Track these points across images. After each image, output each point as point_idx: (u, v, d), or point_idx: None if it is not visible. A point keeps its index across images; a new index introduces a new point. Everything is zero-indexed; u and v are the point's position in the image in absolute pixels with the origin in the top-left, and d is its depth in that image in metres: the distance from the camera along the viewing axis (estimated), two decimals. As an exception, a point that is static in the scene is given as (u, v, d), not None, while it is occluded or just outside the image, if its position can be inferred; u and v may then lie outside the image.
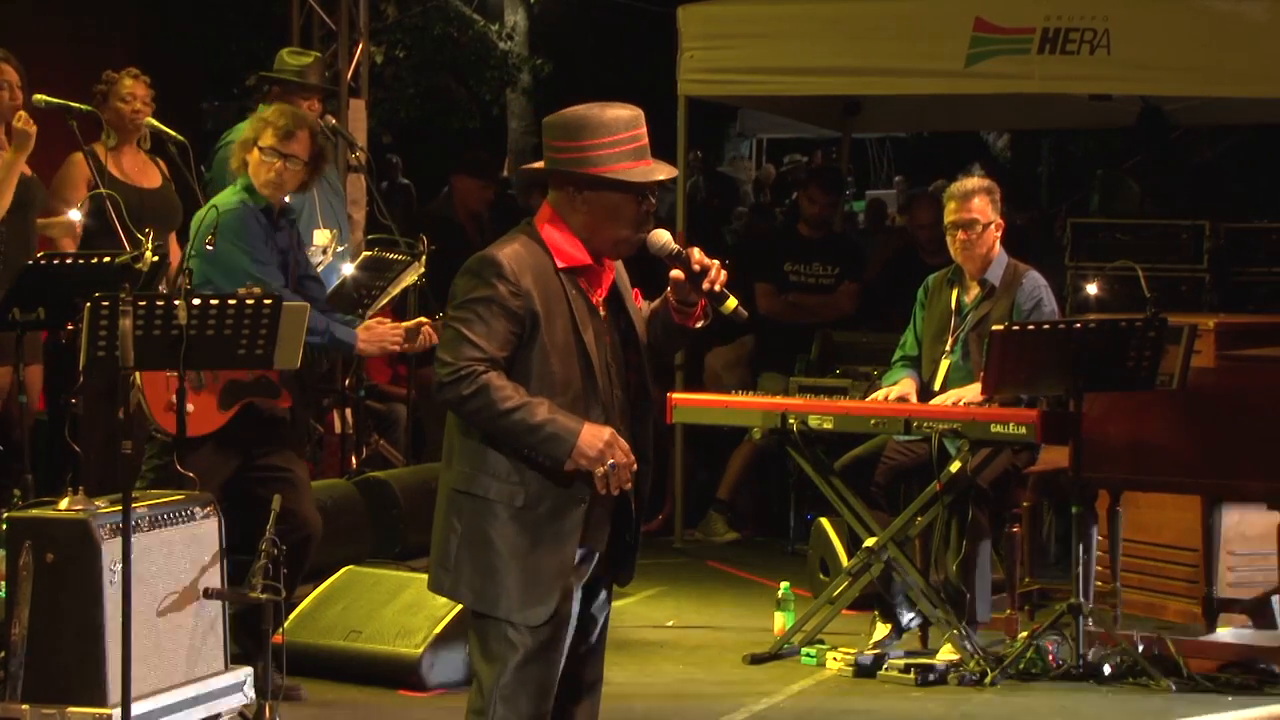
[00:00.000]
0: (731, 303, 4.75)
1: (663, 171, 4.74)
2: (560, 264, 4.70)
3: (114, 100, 8.18)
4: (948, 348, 7.82)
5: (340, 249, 8.57)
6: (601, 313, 4.77)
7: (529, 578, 4.64)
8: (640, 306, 4.92)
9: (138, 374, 6.56)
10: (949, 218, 7.83)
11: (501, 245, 4.70)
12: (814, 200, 10.97)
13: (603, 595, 4.88)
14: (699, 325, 4.84)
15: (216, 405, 6.84)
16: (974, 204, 7.78)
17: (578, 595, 4.76)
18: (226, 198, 7.10)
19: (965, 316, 7.83)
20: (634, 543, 4.87)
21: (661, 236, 4.76)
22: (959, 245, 7.80)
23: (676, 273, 4.75)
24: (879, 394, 7.81)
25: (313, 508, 7.07)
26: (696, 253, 4.74)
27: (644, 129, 4.73)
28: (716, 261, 4.75)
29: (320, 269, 8.13)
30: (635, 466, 4.68)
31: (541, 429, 4.58)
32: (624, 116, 4.70)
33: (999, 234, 7.83)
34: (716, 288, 4.73)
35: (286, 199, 7.21)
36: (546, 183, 4.79)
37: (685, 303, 4.79)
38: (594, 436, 4.60)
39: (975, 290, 7.86)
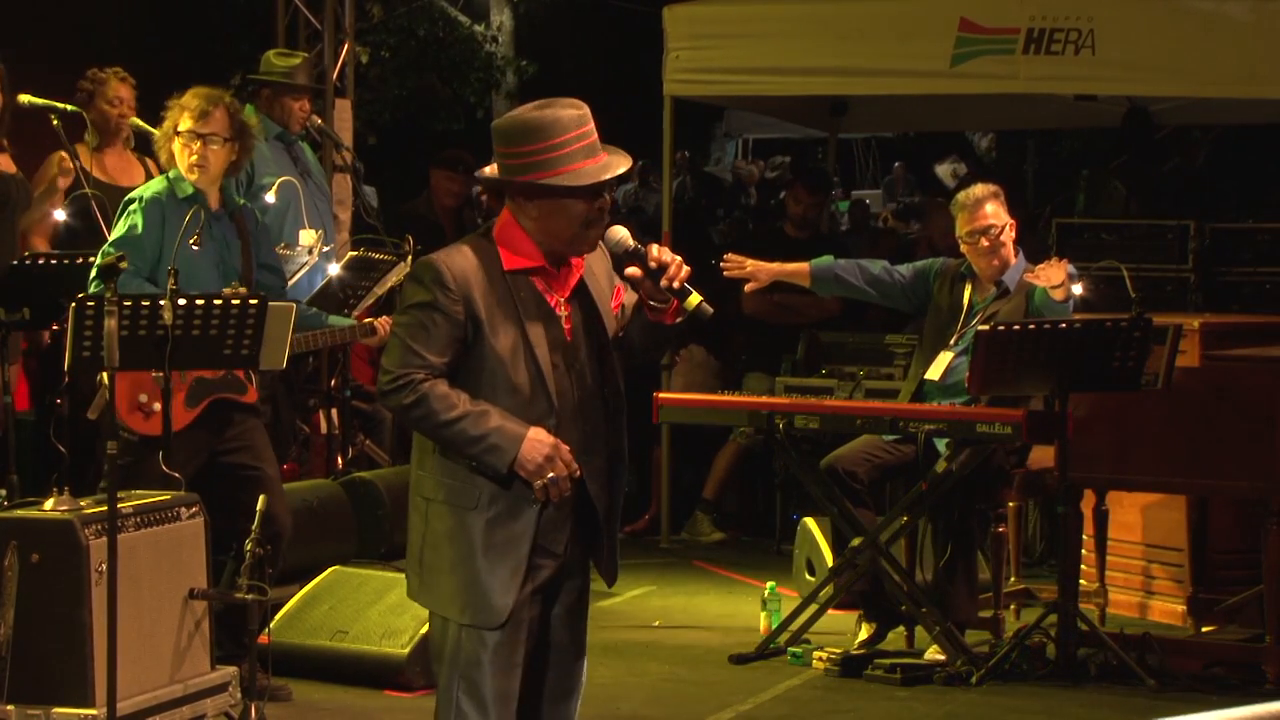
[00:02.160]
0: (695, 299, 4.66)
1: (618, 164, 4.66)
2: (506, 266, 4.66)
3: (100, 102, 8.17)
4: (952, 341, 7.81)
5: (326, 249, 8.57)
6: (562, 312, 4.71)
7: (482, 581, 4.62)
8: (623, 301, 4.86)
9: (104, 374, 6.53)
10: (963, 228, 7.80)
11: (448, 250, 4.68)
12: (799, 200, 10.98)
13: (568, 600, 4.81)
14: (677, 321, 4.74)
15: (183, 404, 6.80)
16: (986, 209, 7.76)
17: (535, 600, 4.71)
18: (151, 186, 7.05)
19: (975, 313, 7.81)
20: (612, 542, 4.83)
21: (617, 233, 4.69)
22: (980, 251, 7.78)
23: (633, 270, 4.67)
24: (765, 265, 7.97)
25: (284, 506, 7.02)
26: (655, 249, 4.66)
27: (591, 124, 4.66)
28: (678, 257, 4.66)
29: (305, 269, 8.13)
30: (577, 474, 4.62)
31: (482, 440, 4.55)
32: (570, 116, 4.63)
33: (1014, 235, 7.84)
34: (675, 284, 4.64)
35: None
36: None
37: (655, 300, 4.70)
38: (534, 449, 4.56)
39: (990, 290, 7.85)
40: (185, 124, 6.94)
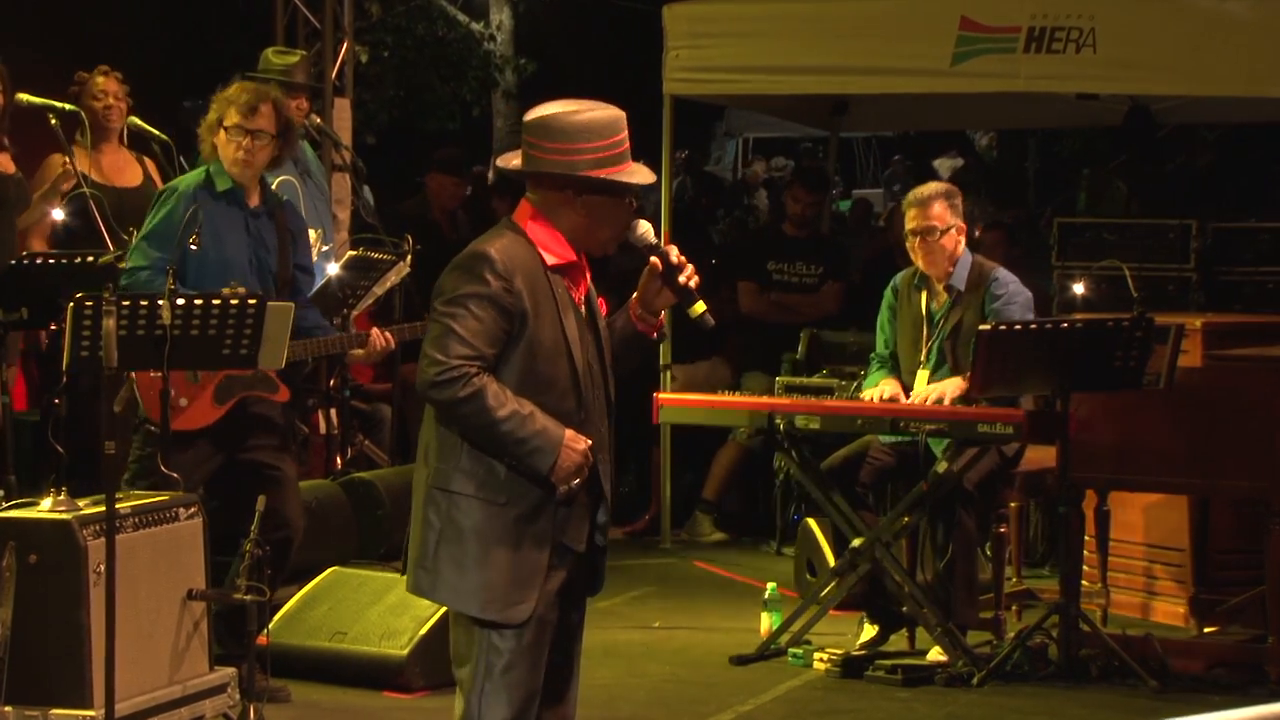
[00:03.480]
0: (700, 306, 4.80)
1: (649, 173, 4.77)
2: (550, 262, 4.69)
3: (86, 98, 8.18)
4: (922, 357, 7.81)
5: (325, 249, 8.57)
6: (582, 311, 4.78)
7: (509, 575, 4.63)
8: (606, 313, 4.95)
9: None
10: (909, 225, 7.78)
11: (491, 240, 4.68)
12: (798, 199, 10.96)
13: (578, 598, 4.86)
14: (656, 336, 4.89)
15: (212, 400, 6.81)
16: (933, 210, 7.70)
17: (557, 599, 4.75)
18: (188, 177, 7.06)
19: (936, 324, 7.81)
20: (603, 546, 4.86)
21: (641, 226, 4.81)
22: (919, 252, 7.77)
23: (656, 260, 4.78)
24: (867, 393, 7.81)
25: (298, 509, 7.05)
26: (674, 250, 4.80)
27: (626, 131, 4.75)
28: (692, 265, 4.81)
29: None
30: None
31: (528, 441, 4.59)
32: (612, 118, 4.71)
33: (961, 237, 7.78)
34: (692, 283, 4.77)
35: (269, 180, 7.19)
36: (524, 182, 4.79)
37: (650, 309, 4.83)
38: (571, 455, 4.62)
39: (943, 296, 7.83)
40: (232, 119, 6.92)
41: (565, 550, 4.73)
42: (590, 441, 4.68)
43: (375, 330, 7.42)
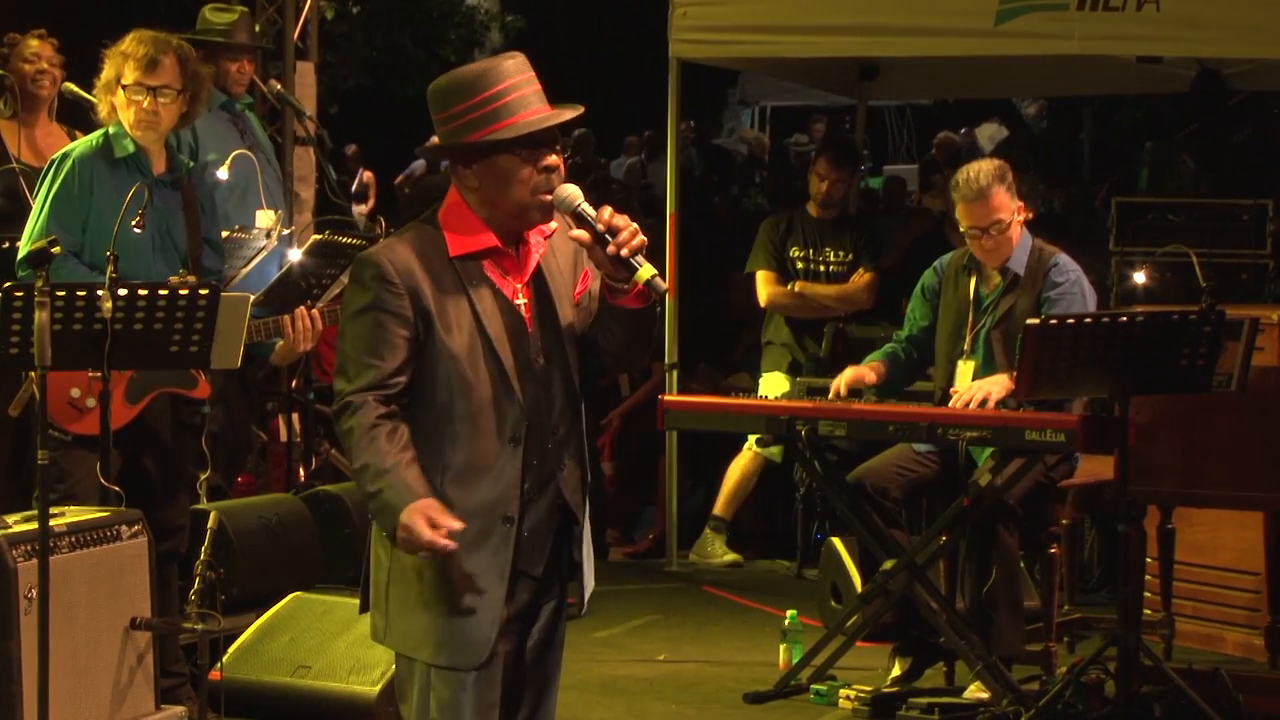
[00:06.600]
0: (646, 271, 4.58)
1: (562, 113, 4.66)
2: (452, 252, 4.67)
3: (16, 62, 8.18)
4: (966, 347, 7.83)
5: (285, 232, 8.57)
6: (520, 300, 4.72)
7: (460, 616, 4.64)
8: (589, 288, 4.82)
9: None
10: (965, 221, 7.79)
11: (388, 241, 4.71)
12: (823, 176, 10.91)
13: (542, 623, 4.85)
14: (644, 307, 4.68)
15: (123, 399, 6.80)
16: (993, 203, 7.72)
17: (512, 630, 4.75)
18: (83, 142, 7.04)
19: (985, 310, 7.83)
20: (579, 561, 4.85)
21: (565, 191, 4.65)
22: (982, 249, 7.79)
23: (580, 233, 4.63)
24: (838, 380, 7.86)
25: (184, 522, 7.08)
26: (606, 212, 4.63)
27: (528, 74, 4.65)
28: (633, 225, 4.61)
29: (262, 255, 8.13)
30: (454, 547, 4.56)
31: (373, 498, 4.57)
32: (499, 67, 4.65)
33: (1021, 217, 7.82)
34: (624, 252, 4.59)
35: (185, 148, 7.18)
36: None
37: (611, 276, 4.66)
38: (409, 532, 4.51)
39: (996, 280, 7.86)
40: (131, 75, 6.91)
41: (522, 575, 4.72)
42: (458, 525, 4.53)
43: (300, 310, 7.31)
